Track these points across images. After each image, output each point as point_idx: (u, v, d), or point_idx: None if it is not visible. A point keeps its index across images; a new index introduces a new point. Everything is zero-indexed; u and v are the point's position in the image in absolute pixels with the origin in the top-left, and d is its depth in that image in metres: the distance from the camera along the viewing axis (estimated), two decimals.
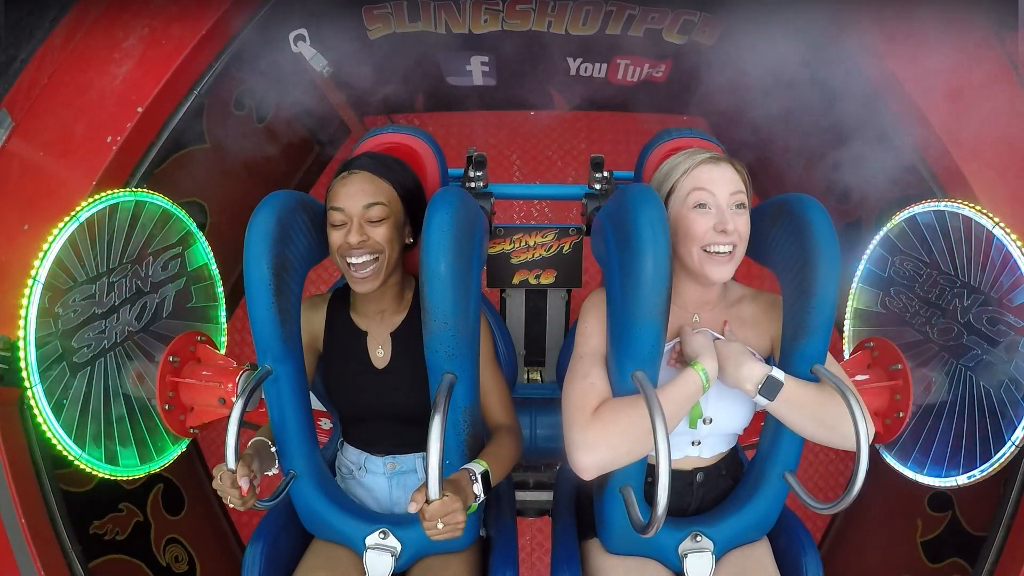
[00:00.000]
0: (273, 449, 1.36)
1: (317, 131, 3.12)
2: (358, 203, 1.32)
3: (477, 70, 2.99)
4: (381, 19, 2.69)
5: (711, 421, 1.33)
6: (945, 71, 1.83)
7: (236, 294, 2.01)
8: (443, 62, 2.95)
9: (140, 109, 1.83)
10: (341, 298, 1.51)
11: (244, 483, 1.19)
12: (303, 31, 2.35)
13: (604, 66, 2.95)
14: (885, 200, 2.03)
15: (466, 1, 2.62)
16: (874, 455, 1.59)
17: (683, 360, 1.26)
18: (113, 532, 1.90)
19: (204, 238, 1.85)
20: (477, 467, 1.27)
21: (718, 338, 1.27)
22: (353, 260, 1.33)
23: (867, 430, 1.12)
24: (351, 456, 1.52)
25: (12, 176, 1.74)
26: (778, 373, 1.18)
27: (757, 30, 2.57)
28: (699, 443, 1.37)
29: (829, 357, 1.25)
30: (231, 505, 1.22)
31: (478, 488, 1.24)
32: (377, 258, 1.34)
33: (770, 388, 1.18)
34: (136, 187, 1.82)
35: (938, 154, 1.85)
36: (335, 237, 1.34)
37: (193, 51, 1.95)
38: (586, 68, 2.97)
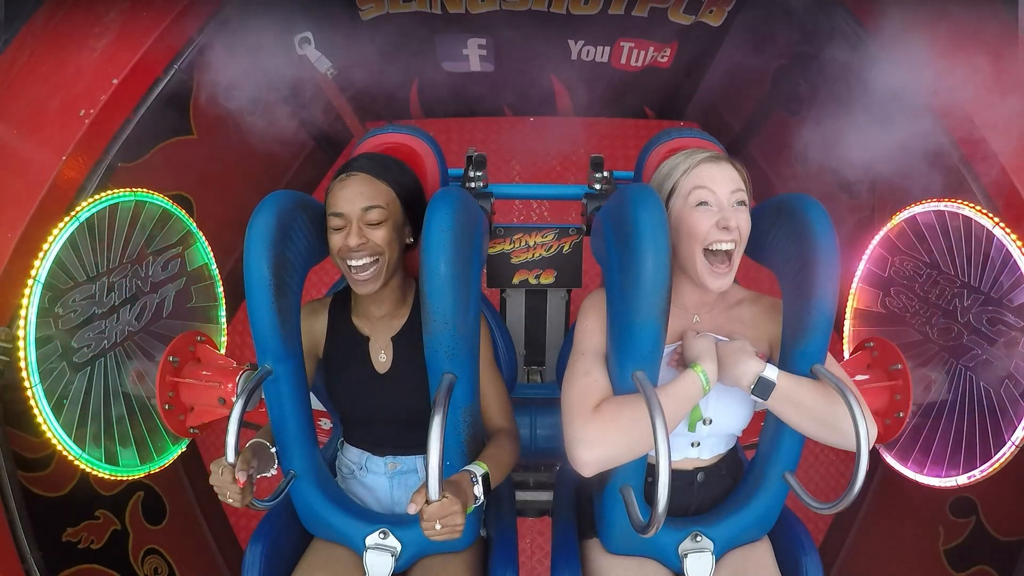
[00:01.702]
0: (273, 450, 1.36)
1: (317, 134, 3.08)
2: (356, 206, 1.32)
3: (474, 54, 2.86)
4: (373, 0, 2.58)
5: (711, 422, 1.33)
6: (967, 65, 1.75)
7: (228, 291, 1.97)
8: (439, 45, 2.81)
9: (115, 81, 1.77)
10: (342, 302, 1.50)
11: (242, 476, 1.19)
12: (308, 34, 2.32)
13: (607, 49, 2.81)
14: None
15: None
16: (874, 456, 1.58)
17: (684, 363, 1.26)
18: (88, 540, 1.84)
19: (204, 238, 1.85)
20: (478, 469, 1.27)
21: (721, 340, 1.27)
22: (353, 263, 1.33)
23: (868, 430, 1.12)
24: (352, 456, 1.52)
25: None
26: (770, 372, 1.18)
27: (769, 10, 2.45)
28: (699, 444, 1.37)
29: (829, 357, 1.25)
30: (228, 501, 1.21)
31: (478, 490, 1.24)
32: (377, 260, 1.34)
33: (762, 388, 1.18)
34: (111, 164, 1.79)
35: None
36: (335, 240, 1.34)
37: (172, 24, 1.88)
38: (588, 52, 2.83)
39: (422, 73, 2.98)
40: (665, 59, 2.85)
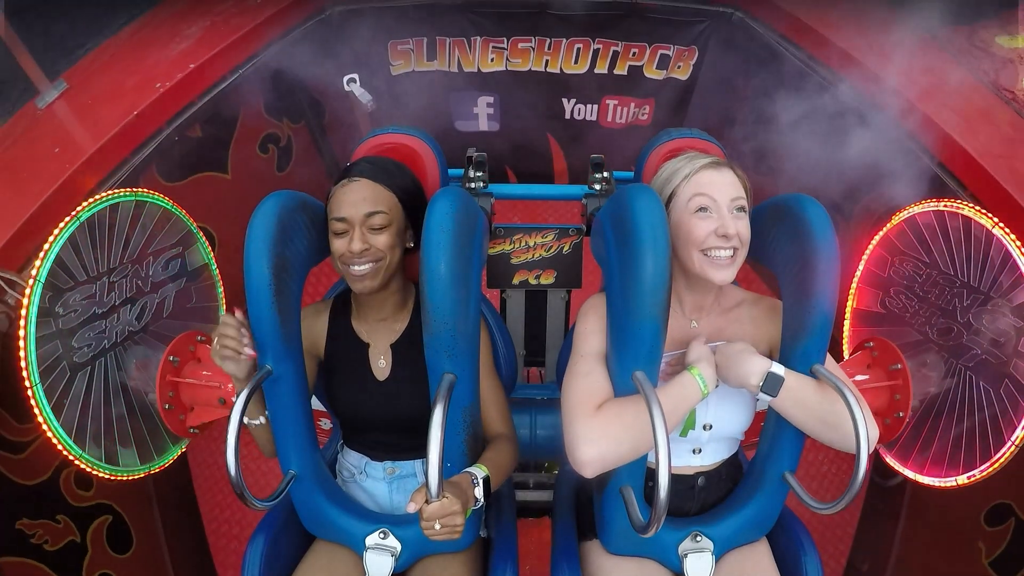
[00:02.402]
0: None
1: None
2: (360, 211, 1.32)
3: (483, 112, 3.25)
4: (403, 55, 2.96)
5: (711, 427, 1.33)
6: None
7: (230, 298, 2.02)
8: (453, 104, 3.21)
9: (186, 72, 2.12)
10: (342, 305, 1.50)
11: (248, 350, 1.23)
12: (355, 75, 2.65)
13: (595, 108, 3.23)
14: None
15: (476, 39, 2.92)
16: (898, 492, 1.56)
17: (681, 369, 1.26)
18: (42, 539, 1.79)
19: (204, 239, 1.85)
20: (479, 471, 1.27)
21: (718, 345, 1.27)
22: (355, 268, 1.33)
23: (868, 431, 1.12)
24: (351, 460, 1.52)
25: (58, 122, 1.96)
26: (778, 368, 1.18)
27: (727, 60, 2.83)
28: (700, 450, 1.37)
29: (829, 357, 1.25)
30: (225, 350, 1.23)
31: (479, 492, 1.24)
32: (378, 263, 1.34)
33: (771, 384, 1.18)
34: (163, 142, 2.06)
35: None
36: (338, 245, 1.34)
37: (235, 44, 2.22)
38: (579, 110, 3.25)
39: (437, 133, 3.24)
40: (645, 116, 3.24)
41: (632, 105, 3.19)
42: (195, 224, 1.82)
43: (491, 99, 3.20)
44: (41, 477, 1.74)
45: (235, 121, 2.54)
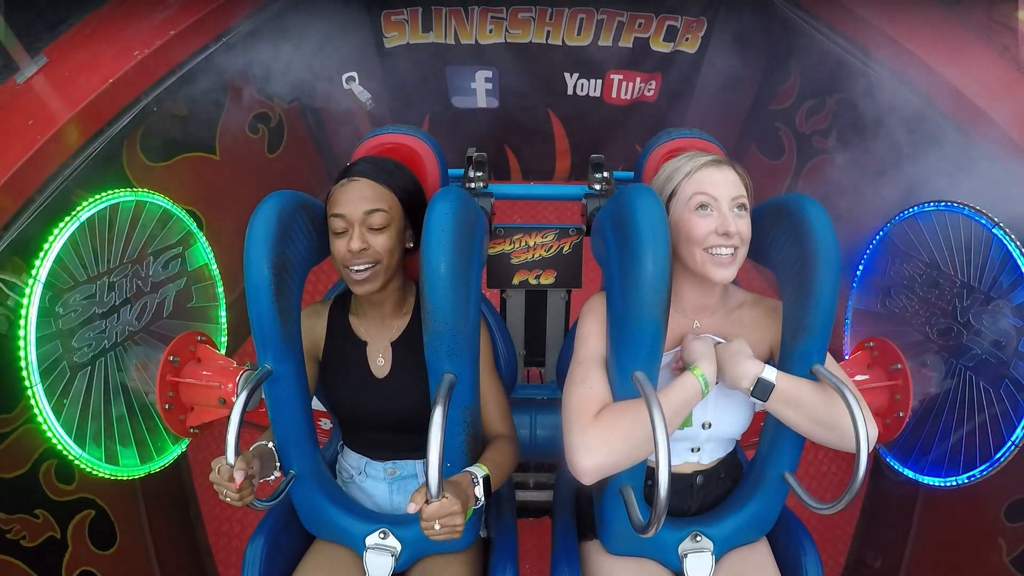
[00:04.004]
0: (271, 445, 1.36)
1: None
2: (359, 210, 1.32)
3: (481, 88, 3.08)
4: (397, 27, 2.83)
5: (710, 426, 1.33)
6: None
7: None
8: (450, 79, 3.04)
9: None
10: (342, 305, 1.50)
11: (239, 476, 1.18)
12: (354, 73, 2.60)
13: (599, 83, 3.05)
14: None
15: (473, 9, 2.75)
16: (912, 488, 1.54)
17: (683, 367, 1.26)
18: (19, 534, 1.73)
19: (204, 239, 1.85)
20: (479, 471, 1.27)
21: (719, 343, 1.27)
22: (354, 267, 1.33)
23: (868, 430, 1.12)
24: (351, 460, 1.52)
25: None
26: (769, 374, 1.18)
27: (738, 33, 2.68)
28: (699, 449, 1.37)
29: (829, 357, 1.25)
30: (227, 500, 1.21)
31: (479, 491, 1.24)
32: (377, 264, 1.34)
33: (761, 389, 1.18)
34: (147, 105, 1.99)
35: None
36: (337, 245, 1.33)
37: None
38: (583, 85, 3.08)
39: (433, 110, 3.23)
40: (651, 92, 3.08)
41: (638, 80, 3.03)
42: (182, 207, 1.78)
43: (489, 73, 3.04)
44: (19, 470, 1.69)
45: (223, 99, 2.43)
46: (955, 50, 1.96)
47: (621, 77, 3.03)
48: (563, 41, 2.88)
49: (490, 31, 2.86)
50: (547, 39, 2.88)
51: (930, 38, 1.94)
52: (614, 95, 3.11)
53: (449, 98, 3.14)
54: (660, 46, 2.89)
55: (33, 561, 1.75)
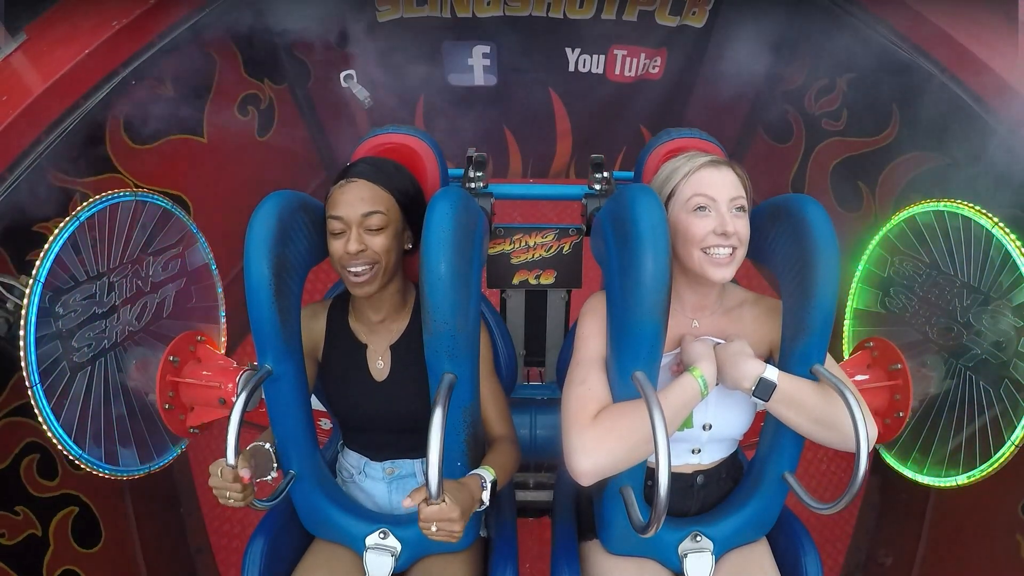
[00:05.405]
0: (268, 447, 1.36)
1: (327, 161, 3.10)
2: (357, 211, 1.32)
3: (479, 64, 2.96)
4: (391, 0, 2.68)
5: (711, 427, 1.33)
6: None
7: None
8: (446, 55, 2.91)
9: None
10: (341, 306, 1.50)
11: (245, 473, 1.18)
12: (352, 71, 2.51)
13: (602, 59, 2.91)
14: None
15: None
16: (925, 489, 1.53)
17: (683, 369, 1.26)
18: None
19: (204, 238, 1.85)
20: (488, 474, 1.27)
21: (719, 344, 1.27)
22: (352, 269, 1.33)
23: (868, 430, 1.12)
24: (351, 460, 1.52)
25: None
26: (771, 373, 1.18)
27: (747, 7, 2.53)
28: (699, 450, 1.37)
29: (829, 357, 1.25)
30: (229, 503, 1.21)
31: (486, 495, 1.24)
32: (375, 266, 1.34)
33: (763, 389, 1.18)
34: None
35: None
36: (335, 246, 1.34)
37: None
38: (584, 61, 2.94)
39: (429, 89, 3.10)
40: (656, 69, 2.95)
41: (642, 56, 2.88)
42: (167, 191, 1.73)
43: (487, 49, 2.89)
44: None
45: (210, 79, 2.33)
46: (978, 23, 1.86)
47: (625, 53, 2.88)
48: (564, 14, 2.73)
49: (487, 3, 2.72)
50: (547, 11, 2.73)
51: (952, 13, 1.84)
52: (617, 72, 2.97)
53: (445, 76, 3.01)
54: (666, 19, 2.74)
55: (12, 560, 1.70)
